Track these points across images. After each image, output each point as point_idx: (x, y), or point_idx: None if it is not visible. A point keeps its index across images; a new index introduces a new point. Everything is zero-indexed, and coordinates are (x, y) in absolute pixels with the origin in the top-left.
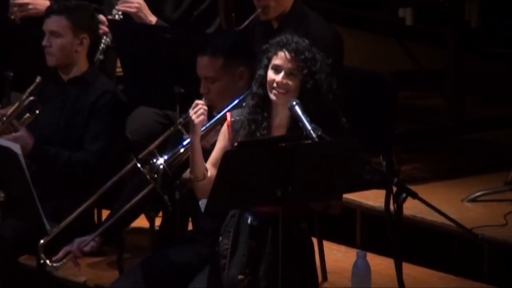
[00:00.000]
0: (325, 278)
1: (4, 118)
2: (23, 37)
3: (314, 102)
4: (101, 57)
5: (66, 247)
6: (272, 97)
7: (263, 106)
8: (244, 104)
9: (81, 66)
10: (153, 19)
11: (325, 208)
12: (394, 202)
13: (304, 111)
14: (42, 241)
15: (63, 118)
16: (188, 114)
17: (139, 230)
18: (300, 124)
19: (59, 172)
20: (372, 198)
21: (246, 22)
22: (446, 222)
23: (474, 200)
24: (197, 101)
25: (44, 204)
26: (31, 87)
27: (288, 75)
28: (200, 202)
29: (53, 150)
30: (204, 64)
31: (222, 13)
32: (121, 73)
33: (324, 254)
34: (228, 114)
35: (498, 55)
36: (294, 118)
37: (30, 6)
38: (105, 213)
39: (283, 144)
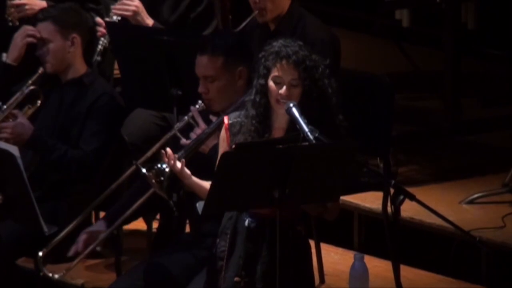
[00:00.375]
0: (322, 280)
1: (5, 107)
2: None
3: (319, 106)
4: (98, 58)
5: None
6: (276, 108)
7: (265, 114)
8: (240, 106)
9: (78, 67)
10: (150, 22)
11: (321, 213)
12: (391, 204)
13: (301, 113)
14: (40, 253)
15: (59, 119)
16: (185, 119)
17: (137, 232)
18: (298, 126)
19: (53, 165)
20: (370, 200)
21: (243, 24)
22: (444, 224)
23: (471, 202)
24: (169, 153)
25: (40, 206)
26: (33, 77)
27: (290, 86)
28: (197, 204)
29: (51, 142)
30: (204, 63)
31: (219, 15)
32: (119, 75)
33: (322, 256)
34: (225, 118)
35: (495, 57)
36: (293, 120)
37: (27, 7)
38: (103, 216)
39: (281, 146)
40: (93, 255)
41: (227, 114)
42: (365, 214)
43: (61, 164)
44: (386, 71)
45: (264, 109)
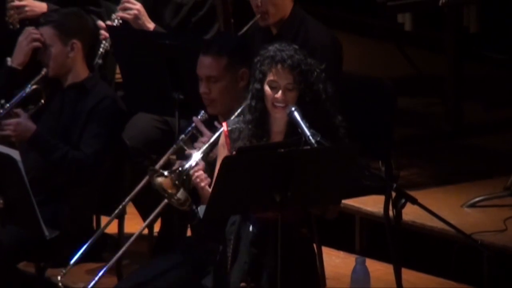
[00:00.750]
0: (324, 284)
1: (8, 105)
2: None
3: (313, 110)
4: (99, 61)
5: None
6: (272, 112)
7: (262, 119)
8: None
9: (79, 72)
10: (151, 25)
11: (323, 212)
12: (393, 207)
13: (302, 117)
14: (59, 277)
15: (61, 123)
16: (189, 130)
17: (138, 236)
18: (299, 130)
19: (54, 165)
20: (371, 203)
21: (245, 28)
22: (446, 227)
23: (473, 205)
24: (198, 172)
25: (41, 210)
26: (36, 78)
27: (286, 90)
28: (199, 208)
29: (53, 141)
30: (208, 63)
31: (221, 19)
32: (120, 80)
33: (323, 260)
34: (224, 124)
35: (497, 61)
36: (291, 124)
37: (27, 8)
38: (104, 220)
39: (282, 150)
40: (95, 259)
41: (226, 120)
42: (366, 218)
43: (61, 164)
44: (388, 75)
45: (261, 114)
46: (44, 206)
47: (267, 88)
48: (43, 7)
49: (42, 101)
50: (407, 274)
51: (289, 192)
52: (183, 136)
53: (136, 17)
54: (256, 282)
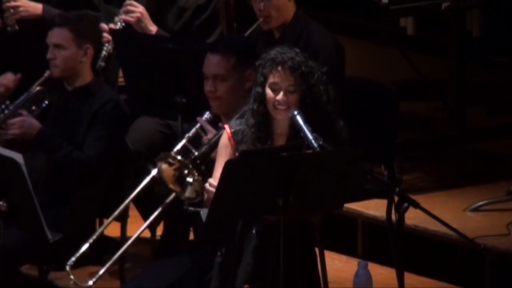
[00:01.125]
0: (326, 287)
1: (12, 106)
2: (19, 44)
3: (314, 114)
4: (102, 64)
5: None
6: (274, 114)
7: (265, 123)
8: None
9: (85, 76)
10: (153, 28)
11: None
12: (395, 211)
13: (305, 121)
14: (69, 262)
15: (65, 126)
16: (194, 130)
17: (141, 239)
18: (302, 134)
19: (57, 163)
20: (374, 207)
21: (248, 32)
22: (448, 231)
23: (476, 209)
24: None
25: (44, 213)
26: (40, 80)
27: (287, 92)
28: (201, 212)
29: (58, 140)
30: (216, 62)
31: (224, 23)
32: (123, 83)
33: (325, 264)
34: (227, 126)
35: (500, 65)
36: (294, 127)
37: (21, 9)
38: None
39: (285, 154)
40: (97, 262)
41: (228, 123)
42: (369, 222)
43: (65, 163)
44: (391, 79)
45: (263, 117)
46: (47, 209)
47: (268, 90)
48: (38, 7)
49: (46, 102)
50: (410, 278)
51: (291, 196)
52: (188, 135)
53: (139, 20)
54: (259, 284)
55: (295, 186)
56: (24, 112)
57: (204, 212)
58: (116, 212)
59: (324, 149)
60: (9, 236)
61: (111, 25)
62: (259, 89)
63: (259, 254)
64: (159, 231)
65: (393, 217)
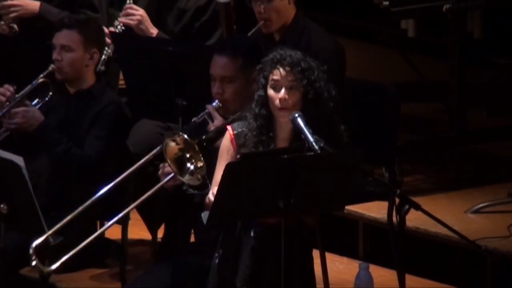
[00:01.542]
0: None
1: (16, 96)
2: (18, 47)
3: (317, 112)
4: (102, 68)
5: None
6: (277, 115)
7: (267, 126)
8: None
9: (89, 79)
10: (154, 31)
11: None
12: (397, 213)
13: (306, 123)
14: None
15: (66, 128)
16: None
17: (142, 242)
18: (303, 136)
19: (56, 159)
20: (375, 209)
21: (248, 35)
22: (449, 233)
23: (477, 211)
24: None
25: (45, 216)
26: (44, 73)
27: (289, 89)
28: (202, 214)
29: (59, 135)
30: (223, 64)
31: (224, 26)
32: (124, 86)
33: (327, 266)
34: (229, 128)
35: (501, 66)
36: (296, 132)
37: (18, 8)
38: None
39: (286, 156)
40: (98, 265)
41: (228, 123)
42: (370, 224)
43: (64, 158)
44: (392, 81)
45: (265, 120)
46: (48, 212)
47: (270, 91)
48: (35, 5)
49: (50, 94)
50: (411, 280)
51: (292, 198)
52: (195, 119)
53: (139, 23)
54: (257, 286)
55: (296, 188)
56: (28, 103)
57: (205, 215)
58: (120, 215)
59: (325, 151)
60: (9, 239)
61: (111, 28)
62: (261, 92)
63: (257, 257)
64: (160, 233)
65: (394, 219)
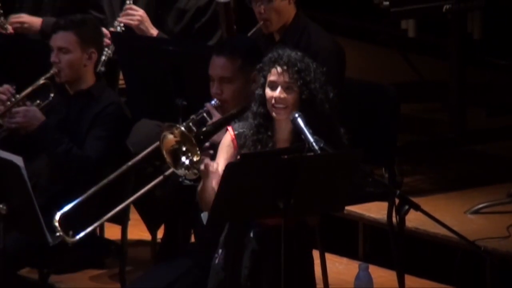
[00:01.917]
0: None
1: (17, 96)
2: (18, 47)
3: (312, 113)
4: (102, 68)
5: None
6: (273, 114)
7: (266, 124)
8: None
9: (88, 80)
10: (154, 31)
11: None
12: (396, 214)
13: (306, 123)
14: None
15: (66, 129)
16: (200, 112)
17: (141, 242)
18: (303, 137)
19: (56, 159)
20: (375, 210)
21: (248, 35)
22: (449, 234)
23: (476, 212)
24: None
25: (44, 216)
26: (46, 75)
27: (284, 89)
28: (202, 214)
29: (59, 135)
30: (222, 64)
31: (224, 26)
32: (124, 86)
33: (326, 266)
34: (230, 128)
35: (501, 67)
36: (296, 132)
37: (25, 25)
38: (107, 226)
39: (286, 157)
40: (97, 265)
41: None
42: (370, 224)
43: (64, 159)
44: (392, 81)
45: (264, 119)
46: (47, 212)
47: (267, 90)
48: (37, 22)
49: (52, 95)
50: (410, 281)
51: (292, 199)
52: (193, 116)
53: (139, 23)
54: (257, 287)
55: (296, 189)
56: (29, 103)
57: (205, 215)
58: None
59: (325, 151)
60: (9, 239)
61: (111, 29)
62: (259, 91)
63: (257, 258)
64: (160, 233)
65: (394, 219)
